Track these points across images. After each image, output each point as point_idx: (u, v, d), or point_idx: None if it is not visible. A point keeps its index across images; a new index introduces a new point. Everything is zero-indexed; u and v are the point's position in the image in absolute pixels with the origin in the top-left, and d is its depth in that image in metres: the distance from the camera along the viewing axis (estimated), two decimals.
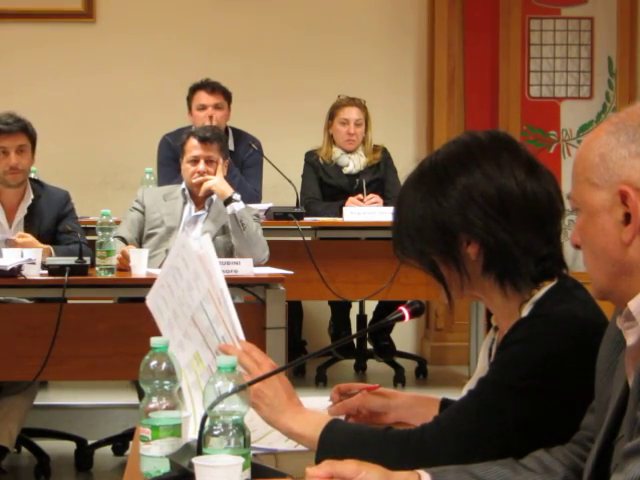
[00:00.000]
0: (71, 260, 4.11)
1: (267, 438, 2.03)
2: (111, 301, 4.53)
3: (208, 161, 4.77)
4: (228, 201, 4.71)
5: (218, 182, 4.75)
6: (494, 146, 1.92)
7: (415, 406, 2.15)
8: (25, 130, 4.73)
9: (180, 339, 2.03)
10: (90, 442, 4.80)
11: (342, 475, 1.58)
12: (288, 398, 1.91)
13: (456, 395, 1.99)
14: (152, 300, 2.11)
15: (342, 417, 2.14)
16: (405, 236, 1.92)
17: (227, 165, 4.91)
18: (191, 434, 1.93)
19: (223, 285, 1.93)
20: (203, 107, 5.75)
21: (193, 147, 4.78)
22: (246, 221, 4.69)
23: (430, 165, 1.93)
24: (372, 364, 6.15)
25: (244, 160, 5.86)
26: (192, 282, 1.96)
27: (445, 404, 2.11)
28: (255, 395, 1.87)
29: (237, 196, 4.74)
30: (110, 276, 4.12)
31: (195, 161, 4.77)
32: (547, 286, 1.89)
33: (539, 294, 1.89)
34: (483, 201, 1.86)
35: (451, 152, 1.93)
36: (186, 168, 4.81)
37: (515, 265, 1.87)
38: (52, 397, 5.37)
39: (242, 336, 1.93)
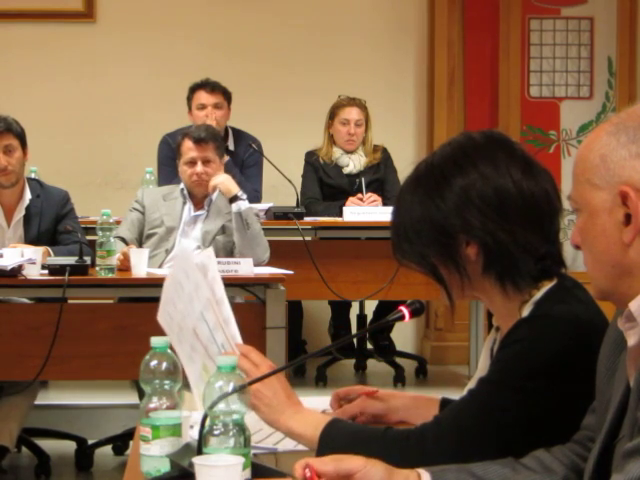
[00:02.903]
0: (71, 260, 4.11)
1: (271, 438, 2.02)
2: (111, 301, 4.53)
3: (205, 161, 4.76)
4: (233, 199, 4.70)
5: (225, 179, 4.73)
6: (489, 146, 1.92)
7: (414, 407, 2.15)
8: (10, 129, 4.66)
9: (189, 352, 2.03)
10: (90, 442, 4.80)
11: (347, 468, 1.59)
12: (287, 398, 1.91)
13: (456, 395, 1.99)
14: (161, 316, 2.11)
15: None
16: (404, 239, 1.92)
17: (223, 163, 4.90)
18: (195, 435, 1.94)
19: (223, 294, 1.93)
20: (203, 107, 5.75)
21: (189, 149, 4.76)
22: (251, 220, 4.68)
23: (426, 168, 1.93)
24: (372, 364, 6.15)
25: (244, 160, 5.86)
26: (193, 293, 1.96)
27: (445, 404, 2.11)
28: (254, 396, 1.87)
29: (243, 195, 4.73)
30: (110, 276, 4.12)
31: (192, 163, 4.76)
32: (547, 286, 1.89)
33: (539, 294, 1.89)
34: (480, 201, 1.86)
35: (447, 154, 1.93)
36: (183, 170, 4.79)
37: (515, 264, 1.87)
38: (52, 397, 5.36)
39: (239, 339, 1.93)
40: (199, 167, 4.74)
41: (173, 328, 2.06)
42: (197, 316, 1.96)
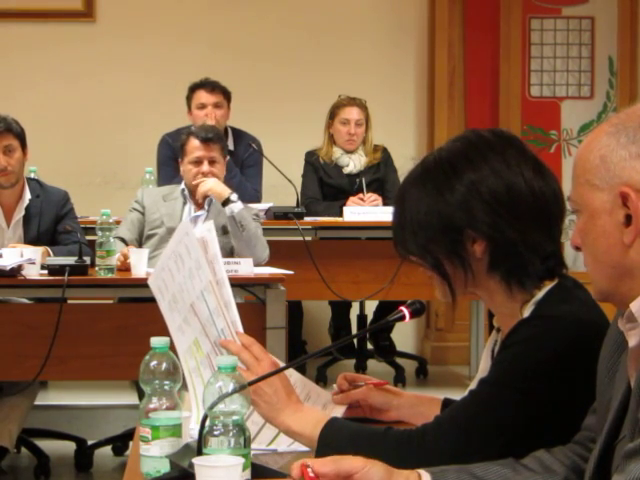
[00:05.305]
0: (71, 260, 4.11)
1: (265, 437, 2.02)
2: (111, 301, 4.53)
3: (211, 161, 4.75)
4: (226, 202, 4.68)
5: (214, 185, 4.70)
6: (500, 143, 1.90)
7: (417, 405, 2.15)
8: (10, 129, 4.65)
9: (180, 323, 2.03)
10: (90, 442, 4.80)
11: (346, 469, 1.58)
12: (287, 396, 1.91)
13: (457, 395, 1.99)
14: (154, 281, 2.11)
15: (342, 409, 2.13)
16: (409, 233, 1.90)
17: (225, 164, 4.89)
18: (193, 423, 1.94)
19: (224, 275, 1.93)
20: (203, 106, 5.74)
21: (195, 148, 4.75)
22: (245, 222, 4.66)
23: (435, 161, 1.91)
24: (372, 364, 6.15)
25: (244, 160, 5.86)
26: (194, 270, 1.96)
27: (447, 404, 2.10)
28: (254, 392, 1.86)
29: (234, 197, 4.70)
30: (110, 276, 4.12)
31: (198, 162, 4.75)
32: (548, 286, 1.89)
33: (540, 294, 1.88)
34: (491, 198, 1.84)
35: (456, 148, 1.91)
36: (188, 169, 4.77)
37: (522, 264, 1.85)
38: (52, 397, 5.36)
39: (240, 326, 1.93)
40: (205, 166, 4.72)
41: (165, 296, 2.07)
42: (197, 294, 1.96)
